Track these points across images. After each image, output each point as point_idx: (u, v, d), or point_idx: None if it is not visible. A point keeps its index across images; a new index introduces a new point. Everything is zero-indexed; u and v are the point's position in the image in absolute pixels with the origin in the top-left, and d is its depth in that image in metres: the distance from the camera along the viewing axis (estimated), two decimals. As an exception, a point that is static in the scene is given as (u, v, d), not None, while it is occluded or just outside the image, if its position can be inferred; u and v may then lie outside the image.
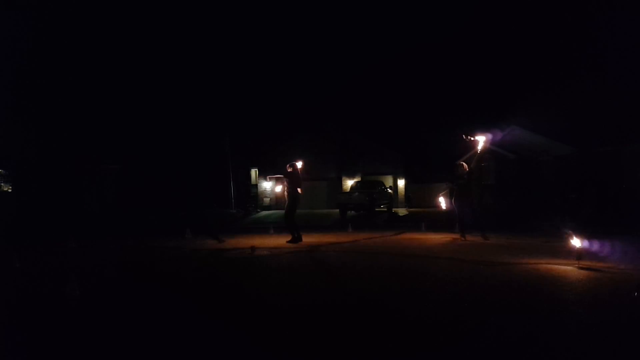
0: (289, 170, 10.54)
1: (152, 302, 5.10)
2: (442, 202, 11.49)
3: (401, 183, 28.40)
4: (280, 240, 10.53)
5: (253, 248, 8.92)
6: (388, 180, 27.25)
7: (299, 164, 10.72)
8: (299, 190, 10.37)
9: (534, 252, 7.99)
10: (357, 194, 21.23)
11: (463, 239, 9.76)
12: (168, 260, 8.19)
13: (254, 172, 30.02)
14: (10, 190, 19.20)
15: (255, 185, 29.26)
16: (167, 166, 29.78)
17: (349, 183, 26.05)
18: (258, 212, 25.44)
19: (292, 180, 10.37)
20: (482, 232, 9.82)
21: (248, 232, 13.67)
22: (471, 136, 10.29)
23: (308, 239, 10.57)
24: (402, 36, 56.66)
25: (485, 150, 10.26)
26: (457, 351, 3.40)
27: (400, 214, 21.51)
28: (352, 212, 20.71)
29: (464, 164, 10.30)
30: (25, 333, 4.06)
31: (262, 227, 15.37)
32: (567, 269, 6.34)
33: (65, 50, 30.42)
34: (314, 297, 5.18)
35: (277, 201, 25.28)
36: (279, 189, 14.39)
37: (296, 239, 9.94)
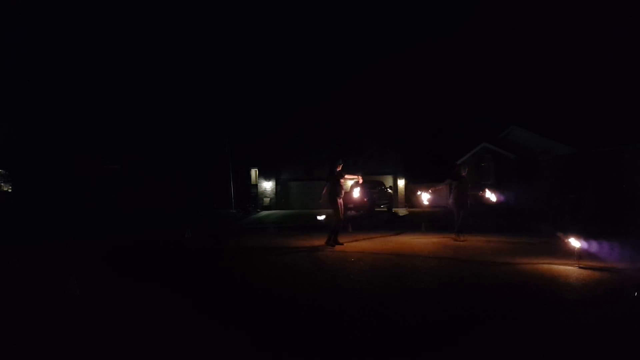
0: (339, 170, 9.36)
1: (152, 301, 5.10)
2: (424, 197, 11.58)
3: (401, 183, 28.39)
4: (280, 240, 10.54)
5: (252, 248, 8.93)
6: (388, 180, 27.23)
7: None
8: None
9: (534, 252, 7.99)
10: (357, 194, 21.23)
11: (462, 239, 9.78)
12: (168, 260, 8.19)
13: (254, 172, 30.00)
14: (10, 190, 19.20)
15: (255, 185, 29.22)
16: (167, 166, 29.83)
17: (349, 183, 26.07)
18: (258, 212, 25.40)
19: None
20: (457, 233, 9.92)
21: (248, 232, 13.67)
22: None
23: (308, 238, 10.57)
24: (402, 36, 56.75)
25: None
26: (457, 351, 3.40)
27: (400, 214, 21.50)
28: (352, 212, 20.72)
29: (459, 165, 10.39)
30: (25, 333, 4.06)
31: (263, 227, 15.38)
32: (567, 269, 6.35)
33: (66, 51, 30.43)
34: (314, 296, 5.18)
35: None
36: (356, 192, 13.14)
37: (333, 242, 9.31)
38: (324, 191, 9.33)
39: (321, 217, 11.17)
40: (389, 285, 5.70)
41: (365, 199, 18.02)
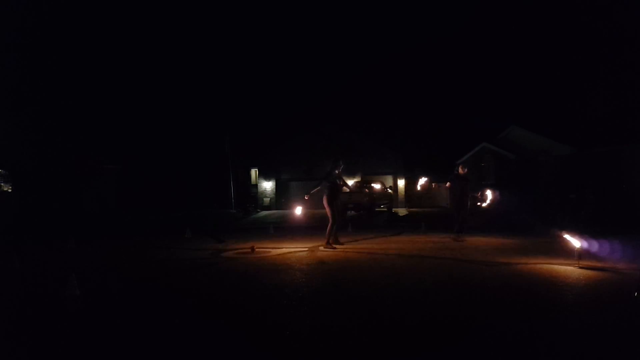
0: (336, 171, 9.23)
1: (152, 302, 5.10)
2: (421, 181, 11.81)
3: (401, 183, 28.38)
4: (280, 240, 10.53)
5: (253, 248, 8.92)
6: (388, 180, 27.22)
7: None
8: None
9: (534, 252, 7.98)
10: (357, 194, 21.22)
11: (462, 239, 9.77)
12: (168, 260, 8.19)
13: (254, 172, 29.99)
14: (10, 190, 19.19)
15: (255, 185, 29.22)
16: (167, 166, 29.80)
17: (349, 183, 26.05)
18: (258, 212, 25.40)
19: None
20: (457, 233, 9.91)
21: (248, 232, 13.67)
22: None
23: (308, 239, 10.57)
24: (402, 36, 56.75)
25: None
26: (457, 351, 3.40)
27: (400, 214, 21.50)
28: (352, 212, 20.71)
29: (461, 167, 10.38)
30: (25, 333, 4.06)
31: (262, 227, 15.37)
32: (567, 269, 6.35)
33: (66, 50, 30.44)
34: (313, 296, 5.18)
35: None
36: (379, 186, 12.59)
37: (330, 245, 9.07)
38: (312, 190, 9.46)
39: (299, 212, 11.16)
40: (388, 285, 5.70)
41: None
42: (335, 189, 9.19)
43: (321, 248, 8.97)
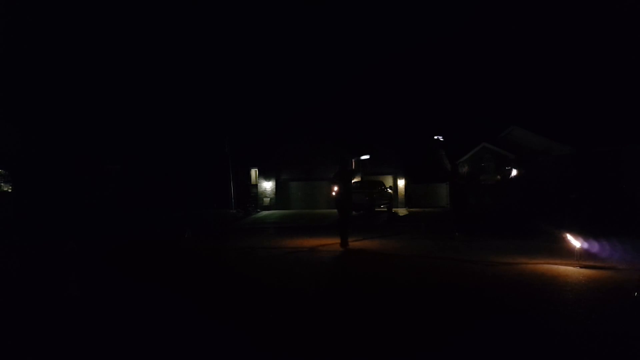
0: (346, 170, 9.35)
1: (152, 301, 5.10)
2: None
3: (401, 183, 28.37)
4: (279, 240, 10.53)
5: (252, 248, 8.93)
6: (388, 180, 27.21)
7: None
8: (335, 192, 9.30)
9: (534, 252, 7.98)
10: (357, 194, 21.22)
11: (462, 239, 9.77)
12: (168, 260, 8.19)
13: (254, 172, 29.99)
14: (10, 190, 19.19)
15: (255, 185, 29.22)
16: (167, 166, 29.76)
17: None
18: (258, 212, 25.40)
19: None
20: (459, 231, 9.89)
21: (248, 232, 13.67)
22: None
23: (308, 239, 10.57)
24: (402, 36, 56.72)
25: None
26: (457, 351, 3.40)
27: (400, 214, 21.49)
28: (352, 212, 20.69)
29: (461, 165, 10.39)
30: (25, 333, 4.06)
31: (262, 227, 15.38)
32: (567, 269, 6.34)
33: (66, 50, 30.43)
34: (313, 296, 5.18)
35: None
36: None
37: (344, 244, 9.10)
38: (335, 189, 9.32)
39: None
40: (388, 285, 5.70)
41: None
42: (346, 189, 9.22)
43: (320, 248, 8.98)
